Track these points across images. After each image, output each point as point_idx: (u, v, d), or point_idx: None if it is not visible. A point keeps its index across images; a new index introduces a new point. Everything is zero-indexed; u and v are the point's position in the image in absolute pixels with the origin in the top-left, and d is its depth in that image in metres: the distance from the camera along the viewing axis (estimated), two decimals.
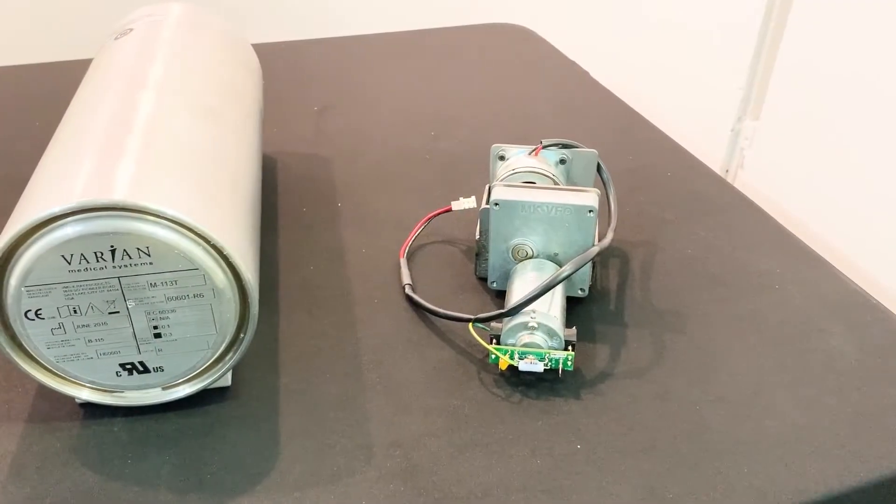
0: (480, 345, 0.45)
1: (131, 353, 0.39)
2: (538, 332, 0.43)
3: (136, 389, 0.40)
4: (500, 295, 0.50)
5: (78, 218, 0.35)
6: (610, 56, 1.00)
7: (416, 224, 0.55)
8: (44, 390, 0.43)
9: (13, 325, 0.37)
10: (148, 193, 0.36)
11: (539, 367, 0.42)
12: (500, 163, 0.53)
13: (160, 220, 0.36)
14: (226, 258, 0.37)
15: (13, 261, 0.36)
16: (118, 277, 0.36)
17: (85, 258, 0.35)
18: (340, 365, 0.45)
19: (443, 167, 0.65)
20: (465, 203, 0.53)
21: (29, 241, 0.35)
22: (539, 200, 0.46)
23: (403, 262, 0.53)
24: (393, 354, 0.46)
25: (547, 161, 0.52)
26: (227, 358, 0.40)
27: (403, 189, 0.62)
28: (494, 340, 0.44)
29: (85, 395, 0.40)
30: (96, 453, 0.39)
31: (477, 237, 0.50)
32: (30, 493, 0.37)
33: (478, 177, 0.62)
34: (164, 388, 0.41)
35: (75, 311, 0.37)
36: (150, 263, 0.36)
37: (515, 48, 0.90)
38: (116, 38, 0.54)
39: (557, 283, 0.43)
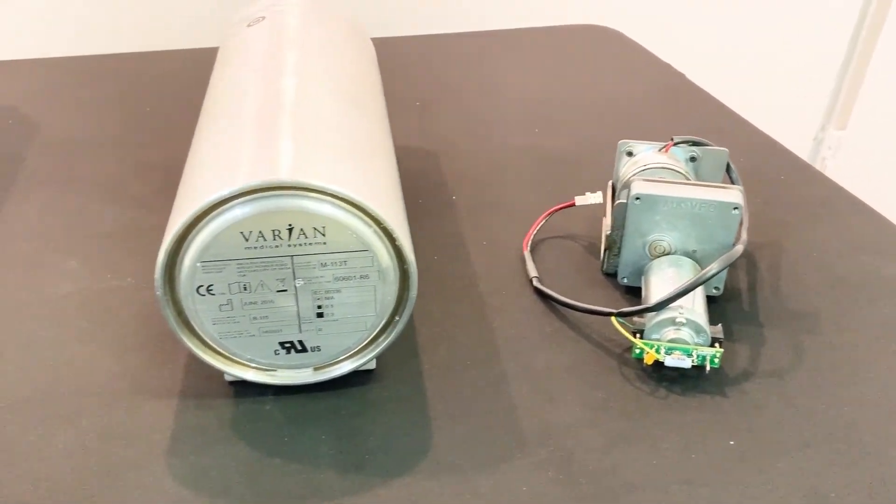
0: (617, 339, 0.45)
1: (292, 332, 0.39)
2: (685, 329, 0.43)
3: (290, 368, 0.41)
4: (630, 291, 0.50)
5: (259, 196, 0.36)
6: (695, 58, 1.00)
7: (537, 218, 0.55)
8: (191, 366, 0.43)
9: (183, 300, 0.38)
10: (328, 175, 0.36)
11: (686, 363, 0.42)
12: (627, 159, 0.53)
13: (337, 202, 0.36)
14: (392, 241, 0.38)
15: (190, 237, 0.36)
16: (291, 256, 0.37)
17: (262, 236, 0.36)
18: (479, 353, 0.45)
19: (549, 163, 0.65)
20: (591, 198, 0.53)
21: (207, 218, 0.36)
22: (683, 196, 0.46)
23: (528, 254, 0.53)
24: (529, 345, 0.46)
25: (677, 158, 0.52)
26: (380, 340, 0.41)
27: (514, 184, 0.62)
28: (638, 335, 0.44)
29: (250, 375, 0.40)
30: (252, 430, 0.40)
31: (608, 232, 0.50)
32: (194, 466, 0.38)
33: (586, 173, 0.63)
34: (315, 369, 0.41)
35: (245, 288, 0.37)
36: (324, 243, 0.37)
37: (607, 49, 0.90)
38: (249, 26, 0.55)
39: (705, 281, 0.43)
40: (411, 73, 0.82)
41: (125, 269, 0.51)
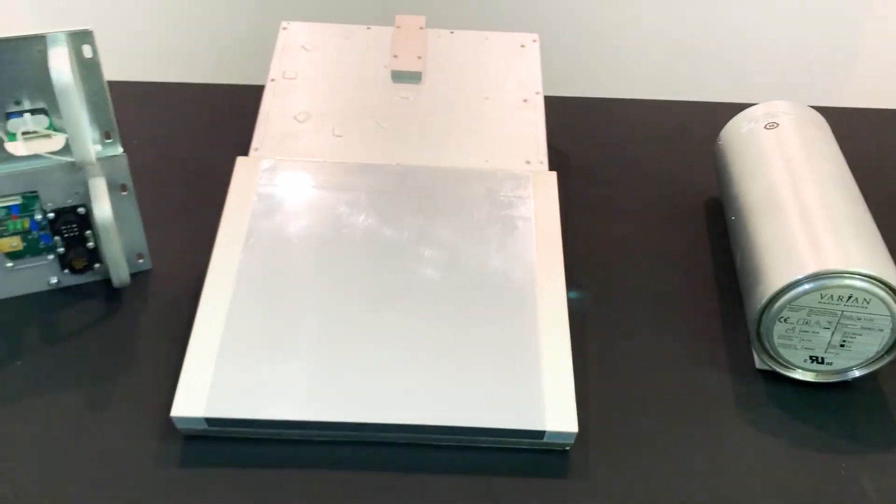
0: None
1: (820, 352, 0.65)
2: None
3: (806, 371, 0.67)
4: None
5: (837, 275, 0.61)
6: None
7: None
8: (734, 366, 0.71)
9: (765, 322, 0.64)
10: (868, 264, 0.61)
11: None
12: None
13: (876, 282, 0.61)
14: None
15: (786, 290, 0.62)
16: (842, 311, 0.62)
17: (832, 297, 0.62)
18: None
19: None
20: None
21: (804, 281, 0.62)
22: None
23: None
24: None
25: None
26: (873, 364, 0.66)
27: None
28: None
29: (783, 370, 0.67)
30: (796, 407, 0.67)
31: None
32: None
33: None
34: (817, 374, 0.67)
35: (806, 323, 0.63)
36: (865, 308, 0.62)
37: None
38: (766, 128, 0.79)
39: None
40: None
41: None
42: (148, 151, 0.84)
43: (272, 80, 0.83)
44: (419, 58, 0.85)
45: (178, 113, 0.92)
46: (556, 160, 0.81)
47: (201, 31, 1.13)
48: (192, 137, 0.89)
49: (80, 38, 0.61)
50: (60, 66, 0.59)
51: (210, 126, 0.90)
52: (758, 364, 0.69)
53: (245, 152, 0.76)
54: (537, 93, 0.84)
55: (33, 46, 0.60)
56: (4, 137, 0.63)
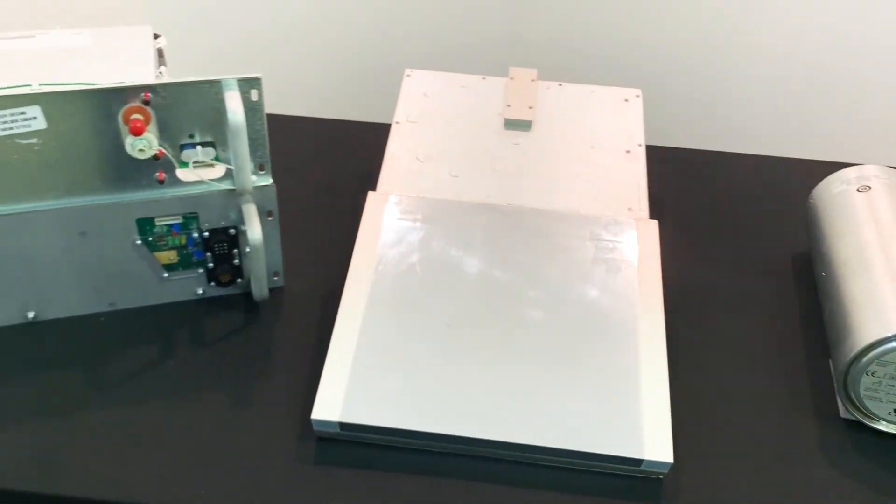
0: None
1: None
2: None
3: (886, 422, 0.71)
4: None
5: None
6: None
7: None
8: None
9: (851, 373, 0.69)
10: None
11: None
12: None
13: None
14: None
15: (874, 346, 0.67)
16: None
17: None
18: None
19: None
20: None
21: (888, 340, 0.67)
22: None
23: None
24: None
25: None
26: None
27: None
28: None
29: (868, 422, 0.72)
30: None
31: None
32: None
33: None
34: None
35: (892, 378, 0.68)
36: None
37: None
38: (858, 191, 0.84)
39: None
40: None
41: None
42: (280, 178, 0.93)
43: (397, 122, 0.91)
44: (530, 107, 0.92)
45: (307, 144, 1.01)
46: (654, 207, 0.86)
47: (334, 73, 1.24)
48: (319, 167, 0.97)
49: (248, 83, 0.70)
50: (236, 108, 0.68)
51: (335, 157, 0.99)
52: (842, 413, 0.73)
53: (366, 182, 0.85)
54: (640, 144, 0.90)
55: (210, 89, 0.69)
56: (177, 165, 0.72)
